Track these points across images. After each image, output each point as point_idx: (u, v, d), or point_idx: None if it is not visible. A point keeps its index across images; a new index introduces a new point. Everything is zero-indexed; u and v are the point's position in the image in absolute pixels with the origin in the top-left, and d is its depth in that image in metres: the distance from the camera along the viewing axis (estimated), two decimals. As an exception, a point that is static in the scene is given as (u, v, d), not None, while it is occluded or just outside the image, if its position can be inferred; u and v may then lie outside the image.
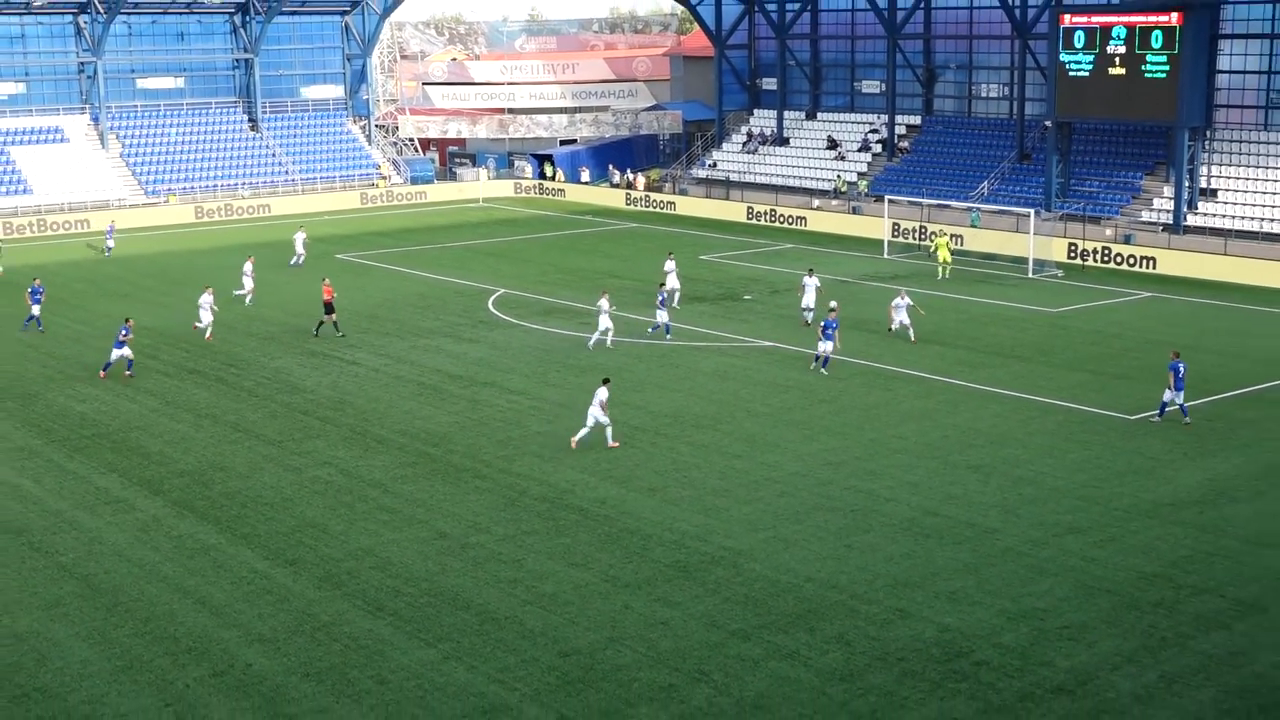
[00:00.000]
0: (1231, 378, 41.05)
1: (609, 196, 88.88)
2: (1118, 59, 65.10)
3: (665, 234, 73.67)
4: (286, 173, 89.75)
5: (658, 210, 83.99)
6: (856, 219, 74.49)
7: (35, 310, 49.95)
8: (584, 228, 77.41)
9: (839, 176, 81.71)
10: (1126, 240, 64.19)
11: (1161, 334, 47.35)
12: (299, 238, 64.72)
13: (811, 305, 49.04)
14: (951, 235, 64.54)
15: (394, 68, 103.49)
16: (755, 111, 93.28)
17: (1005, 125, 78.40)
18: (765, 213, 77.97)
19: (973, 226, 67.66)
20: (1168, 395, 36.28)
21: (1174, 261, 60.39)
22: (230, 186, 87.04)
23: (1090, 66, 66.27)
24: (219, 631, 24.19)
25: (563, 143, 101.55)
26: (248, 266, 55.54)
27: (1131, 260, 61.49)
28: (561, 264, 63.58)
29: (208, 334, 47.67)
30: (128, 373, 42.76)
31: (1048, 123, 70.54)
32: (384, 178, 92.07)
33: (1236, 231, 62.47)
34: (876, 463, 33.21)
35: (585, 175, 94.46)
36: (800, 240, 70.85)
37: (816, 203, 79.41)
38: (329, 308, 48.17)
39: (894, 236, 67.85)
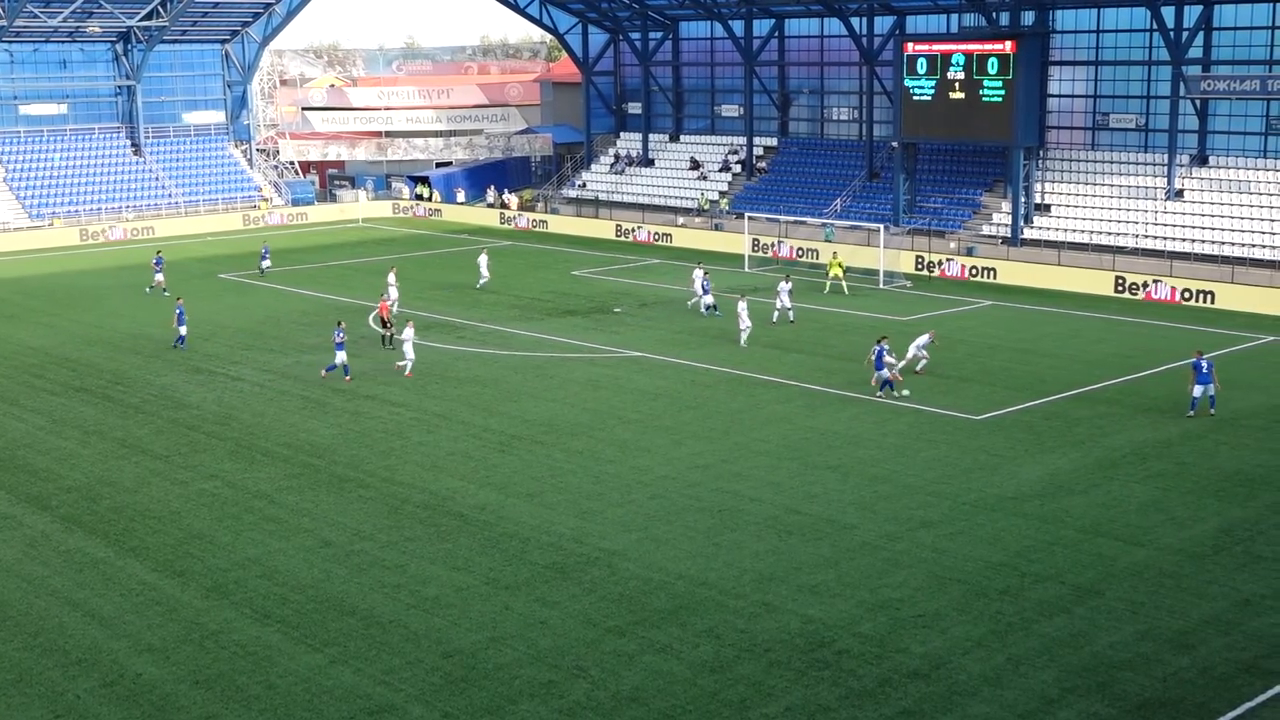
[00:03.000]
0: (1066, 379, 41.97)
1: (484, 216, 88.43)
2: (957, 84, 66.36)
3: (539, 251, 73.48)
4: (170, 196, 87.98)
5: (531, 229, 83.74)
6: (719, 235, 74.93)
7: (182, 330, 48.03)
8: (460, 246, 76.90)
9: (702, 195, 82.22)
10: (969, 253, 65.42)
11: (1002, 339, 48.30)
12: (483, 260, 61.83)
13: (789, 305, 51.39)
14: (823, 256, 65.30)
15: (274, 93, 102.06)
16: (622, 134, 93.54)
17: (855, 146, 79.48)
18: (632, 230, 78.10)
19: (827, 241, 68.46)
20: (1197, 390, 37.29)
21: (1012, 272, 61.67)
22: (114, 210, 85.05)
23: (932, 91, 67.46)
24: (108, 643, 23.53)
25: (439, 165, 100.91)
26: (391, 277, 54.77)
27: (974, 271, 62.67)
28: (440, 281, 63.05)
29: (407, 370, 43.22)
30: (347, 378, 42.55)
31: (894, 144, 71.64)
32: (266, 200, 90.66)
33: (1068, 243, 63.96)
34: (741, 465, 33.38)
35: (461, 196, 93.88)
36: (666, 256, 71.08)
37: (681, 220, 79.78)
38: (384, 322, 47.21)
39: (754, 251, 68.40)
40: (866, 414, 38.12)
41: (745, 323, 47.30)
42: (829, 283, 59.25)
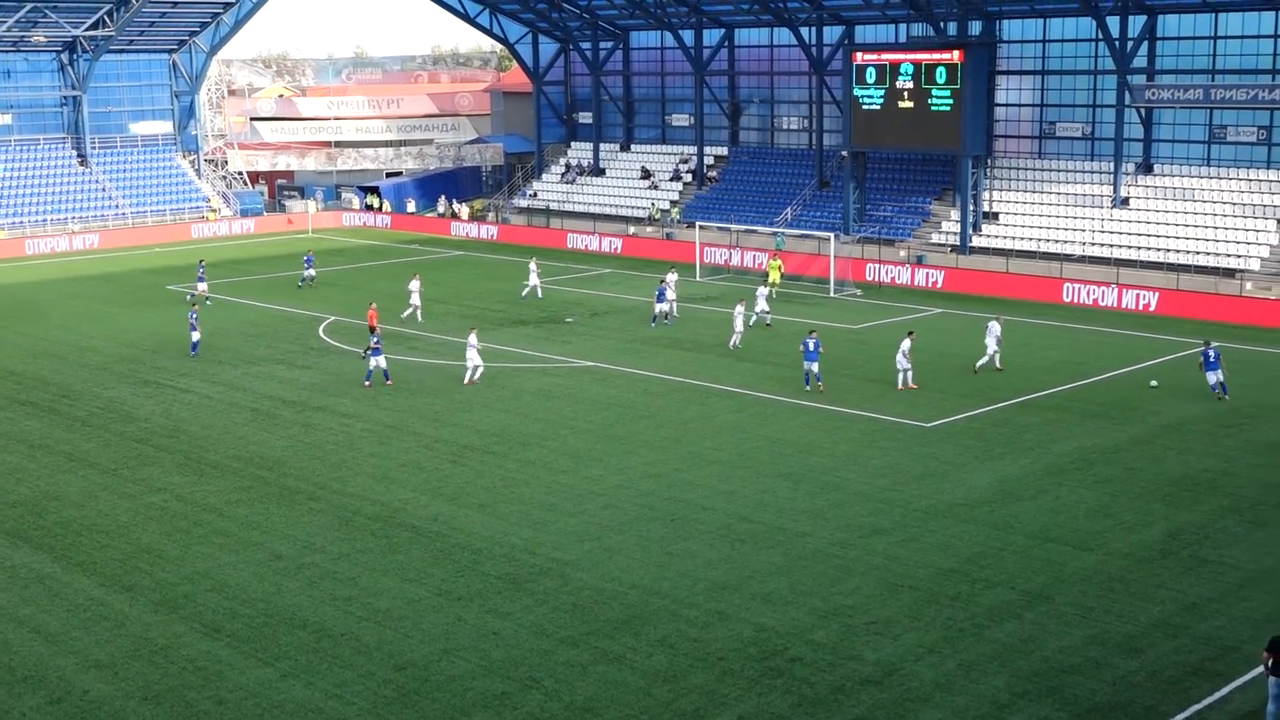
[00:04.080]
0: (1014, 386, 42.27)
1: (434, 226, 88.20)
2: (906, 93, 66.78)
3: (492, 261, 73.32)
4: (116, 207, 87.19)
5: (481, 239, 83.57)
6: (670, 244, 75.06)
7: (195, 336, 48.54)
8: (411, 256, 76.60)
9: (653, 204, 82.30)
10: (919, 261, 65.82)
11: (952, 347, 48.56)
12: (532, 268, 61.31)
13: (766, 310, 52.96)
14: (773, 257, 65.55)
15: (222, 104, 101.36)
16: (573, 144, 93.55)
17: (805, 155, 79.83)
18: (584, 239, 78.10)
19: (778, 249, 68.69)
20: (1211, 378, 39.96)
21: (962, 280, 62.10)
22: (60, 221, 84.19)
23: (881, 100, 67.86)
24: (55, 659, 23.25)
25: (389, 175, 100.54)
26: (414, 284, 55.07)
27: (924, 279, 63.02)
28: (390, 291, 62.63)
29: (473, 377, 43.16)
30: (387, 381, 43.24)
31: (844, 153, 72.00)
32: (214, 210, 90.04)
33: (1017, 251, 64.47)
34: (694, 474, 33.42)
35: (411, 206, 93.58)
36: (618, 265, 71.10)
37: (632, 229, 79.84)
38: (372, 330, 47.42)
39: (705, 260, 68.52)
40: (818, 422, 38.26)
41: (739, 326, 48.35)
42: (769, 288, 59.57)
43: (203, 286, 60.80)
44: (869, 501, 31.10)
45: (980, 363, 44.26)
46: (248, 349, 49.69)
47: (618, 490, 32.16)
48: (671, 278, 55.30)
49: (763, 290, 53.86)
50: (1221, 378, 40.05)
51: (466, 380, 43.20)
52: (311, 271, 65.16)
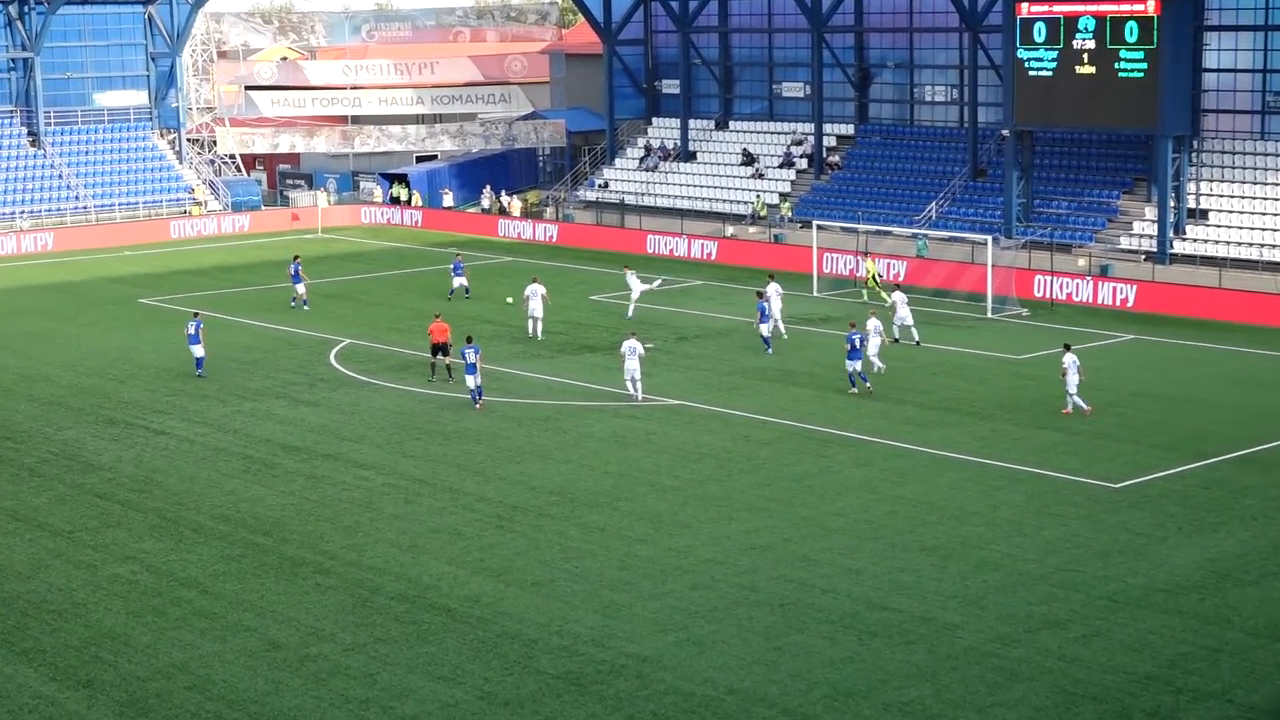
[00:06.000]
0: (1232, 436, 41.69)
1: (477, 224, 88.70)
2: (1086, 55, 66.34)
3: (549, 269, 73.56)
4: (77, 198, 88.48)
5: (537, 241, 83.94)
6: (778, 249, 75.02)
7: (199, 351, 50.66)
8: (447, 263, 76.99)
9: (757, 198, 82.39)
10: (1103, 272, 65.26)
11: (1148, 384, 48.06)
12: (634, 282, 62.31)
13: (910, 322, 54.74)
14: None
15: (210, 69, 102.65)
16: (654, 120, 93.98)
17: (955, 135, 79.65)
18: (668, 242, 78.30)
19: (919, 256, 68.38)
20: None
21: (1160, 297, 61.44)
22: (6, 216, 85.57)
23: (1054, 65, 67.45)
24: (-7, 774, 23.50)
25: (420, 159, 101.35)
26: (539, 289, 57.33)
27: (1110, 296, 62.43)
28: (420, 308, 63.03)
29: (637, 392, 46.49)
30: (476, 404, 45.71)
31: (1005, 132, 71.63)
32: (199, 203, 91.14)
33: (1232, 260, 63.75)
34: (810, 546, 33.26)
35: (448, 199, 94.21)
36: (711, 276, 71.12)
37: (730, 230, 79.88)
38: (442, 348, 49.01)
39: (825, 270, 68.26)
40: (971, 480, 37.95)
41: (874, 349, 49.96)
42: (866, 286, 60.11)
43: (301, 288, 62.75)
44: (1039, 585, 30.77)
45: None
46: (239, 379, 50.16)
47: (711, 566, 32.06)
48: (772, 289, 55.01)
49: (900, 296, 54.53)
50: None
51: (640, 398, 46.07)
52: (462, 280, 66.15)
